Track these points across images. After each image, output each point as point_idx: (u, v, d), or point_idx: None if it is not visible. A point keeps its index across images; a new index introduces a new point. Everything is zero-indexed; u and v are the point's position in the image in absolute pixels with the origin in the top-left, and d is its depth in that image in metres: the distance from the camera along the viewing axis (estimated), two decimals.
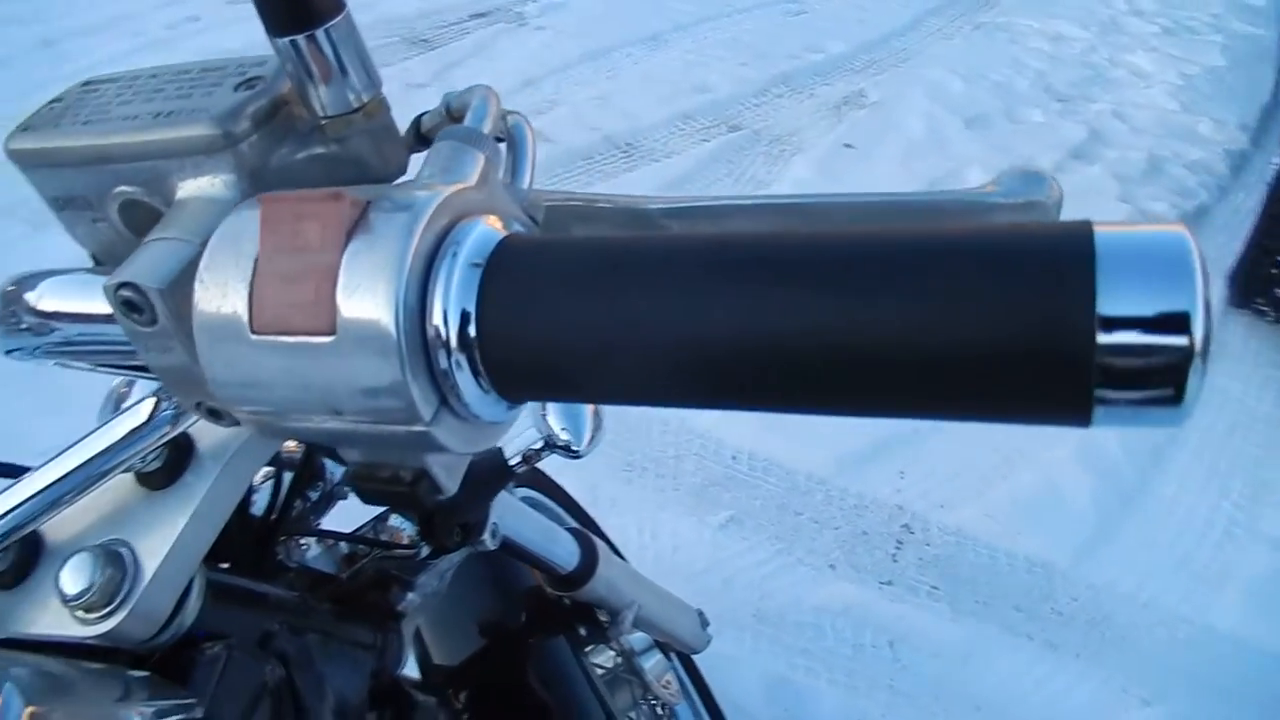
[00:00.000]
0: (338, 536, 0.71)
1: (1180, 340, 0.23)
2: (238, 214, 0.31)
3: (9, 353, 0.46)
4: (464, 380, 0.30)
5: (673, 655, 1.32)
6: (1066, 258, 0.24)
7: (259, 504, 0.66)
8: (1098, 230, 0.24)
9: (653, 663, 1.16)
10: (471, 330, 0.30)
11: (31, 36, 4.07)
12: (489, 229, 0.31)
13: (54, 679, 0.46)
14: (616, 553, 1.29)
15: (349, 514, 0.74)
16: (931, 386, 0.25)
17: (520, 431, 0.75)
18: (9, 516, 0.51)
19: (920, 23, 4.54)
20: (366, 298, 0.29)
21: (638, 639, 1.16)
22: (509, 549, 0.81)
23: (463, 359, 0.30)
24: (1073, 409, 0.24)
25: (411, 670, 0.89)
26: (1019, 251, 0.24)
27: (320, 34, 0.31)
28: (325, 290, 0.30)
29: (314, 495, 0.72)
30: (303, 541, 0.70)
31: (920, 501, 2.01)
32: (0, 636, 0.51)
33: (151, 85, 0.36)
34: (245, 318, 0.31)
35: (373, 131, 0.34)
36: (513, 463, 0.72)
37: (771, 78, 4.01)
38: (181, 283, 0.32)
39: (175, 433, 0.53)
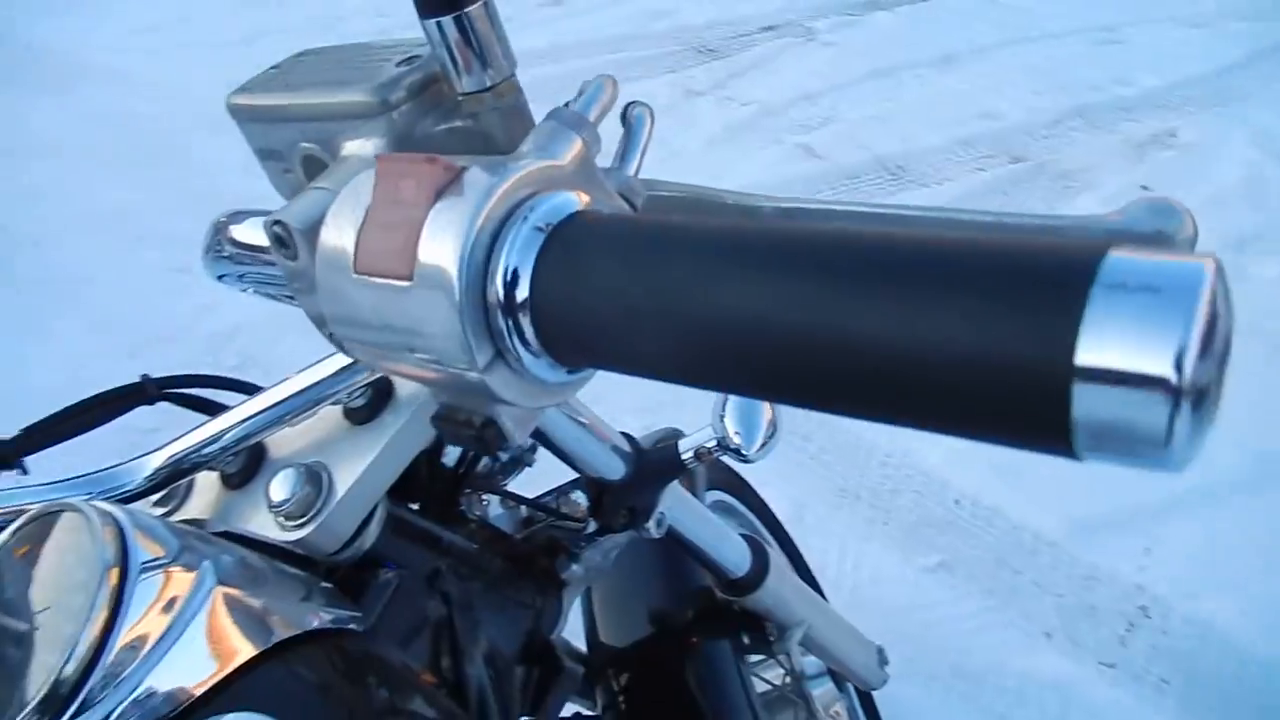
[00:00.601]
0: (518, 499, 0.77)
1: (1162, 383, 0.22)
2: (368, 172, 0.36)
3: (218, 278, 0.54)
4: (514, 336, 0.33)
5: (849, 688, 1.28)
6: (1064, 274, 0.23)
7: (451, 457, 0.73)
8: (1112, 253, 0.23)
9: (822, 690, 1.14)
10: (524, 291, 0.32)
11: None
12: (563, 201, 0.34)
13: (249, 570, 0.53)
14: (806, 572, 1.27)
15: (534, 481, 0.79)
16: (921, 390, 0.24)
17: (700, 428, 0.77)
18: (243, 425, 0.60)
19: (1255, 60, 4.06)
20: (439, 250, 0.33)
21: (811, 663, 1.15)
22: (678, 542, 0.83)
23: (514, 316, 0.33)
24: (1053, 438, 0.23)
25: (577, 640, 0.94)
26: (1023, 263, 0.23)
27: (462, 17, 0.35)
28: (410, 240, 0.33)
29: (503, 458, 0.77)
30: (485, 498, 0.76)
31: (1165, 584, 1.82)
32: (221, 529, 0.59)
33: (343, 57, 0.42)
34: (351, 258, 0.35)
35: (502, 110, 0.37)
36: (685, 457, 0.74)
37: (1068, 109, 3.75)
38: (319, 226, 0.37)
39: (377, 376, 0.60)
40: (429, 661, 0.64)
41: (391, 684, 0.54)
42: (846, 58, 4.30)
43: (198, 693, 0.45)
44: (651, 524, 0.74)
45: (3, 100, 4.37)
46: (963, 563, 1.84)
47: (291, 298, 0.45)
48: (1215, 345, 0.22)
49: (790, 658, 1.02)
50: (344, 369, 0.59)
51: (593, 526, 0.74)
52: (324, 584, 0.58)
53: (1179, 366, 0.22)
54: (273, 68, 0.45)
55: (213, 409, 0.66)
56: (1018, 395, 0.23)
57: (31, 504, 0.55)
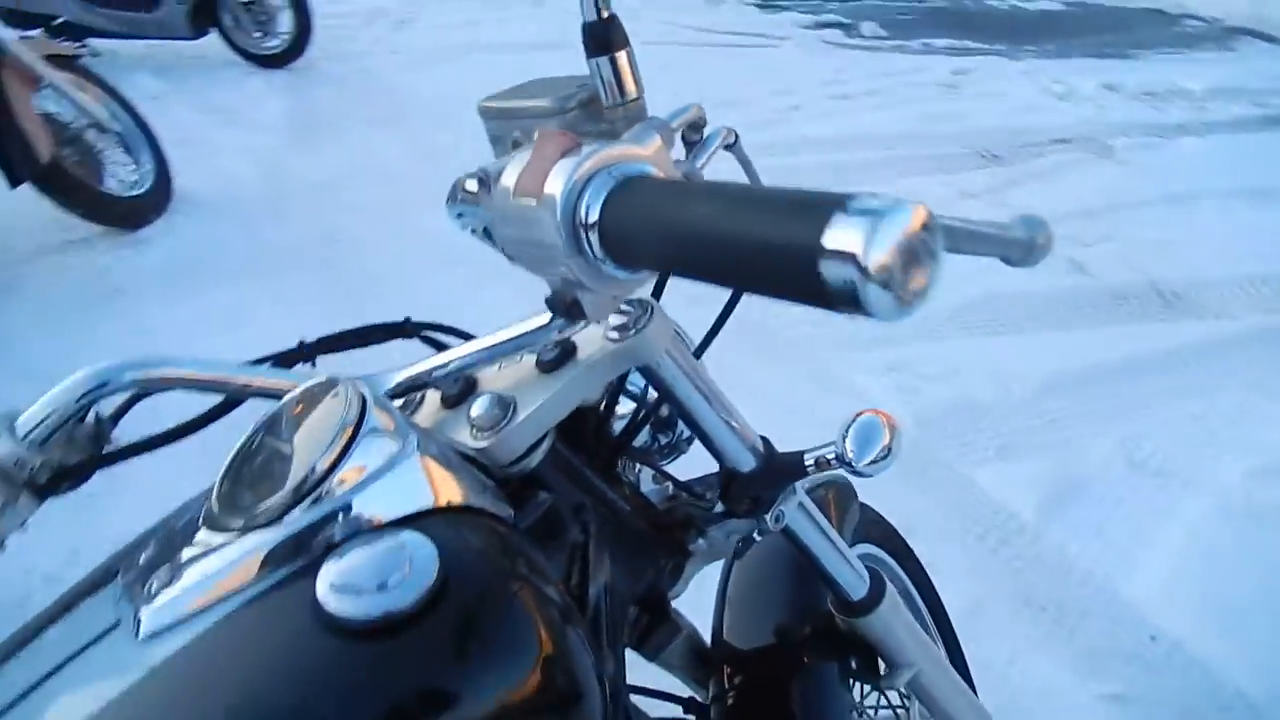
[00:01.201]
0: (665, 475, 0.91)
1: (853, 258, 0.39)
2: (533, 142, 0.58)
3: (456, 216, 0.74)
4: (588, 243, 0.53)
5: None
6: (831, 201, 0.40)
7: (618, 428, 0.88)
8: (861, 193, 0.39)
9: None
10: (595, 215, 0.53)
11: None
12: (631, 168, 0.54)
13: (444, 455, 0.71)
14: (960, 656, 1.31)
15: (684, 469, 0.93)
16: (755, 267, 0.42)
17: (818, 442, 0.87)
18: (463, 360, 0.79)
19: None
20: (555, 185, 0.54)
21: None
22: (800, 551, 0.94)
23: (588, 230, 0.53)
24: (816, 293, 0.40)
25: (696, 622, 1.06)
26: (818, 198, 0.41)
27: (611, 58, 0.55)
28: (541, 178, 0.54)
29: (663, 440, 0.92)
30: (639, 468, 0.91)
31: None
32: (441, 439, 0.77)
33: (548, 83, 0.64)
34: (512, 188, 0.56)
35: (629, 118, 0.57)
36: (807, 464, 0.85)
37: None
38: (501, 174, 0.59)
39: (564, 337, 0.77)
40: (560, 573, 0.79)
41: (529, 568, 0.69)
42: (1140, 178, 4.14)
43: (384, 520, 0.64)
44: (770, 517, 0.86)
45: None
46: (1140, 699, 1.75)
47: (488, 236, 0.65)
48: (906, 251, 0.38)
49: (895, 690, 1.08)
50: (542, 328, 0.77)
51: (720, 509, 0.87)
52: (494, 485, 0.75)
53: (866, 251, 0.38)
54: (508, 88, 0.68)
55: (445, 348, 0.87)
56: (799, 266, 0.40)
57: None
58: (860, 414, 0.85)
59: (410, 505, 0.66)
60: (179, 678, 0.58)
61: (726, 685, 1.05)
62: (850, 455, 0.82)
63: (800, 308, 0.43)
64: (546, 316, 0.76)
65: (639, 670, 0.99)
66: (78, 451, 0.73)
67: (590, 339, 0.78)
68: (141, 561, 0.66)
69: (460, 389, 0.80)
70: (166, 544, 0.66)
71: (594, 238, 0.52)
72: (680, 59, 6.15)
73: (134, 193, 3.51)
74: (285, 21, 5.58)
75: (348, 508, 0.64)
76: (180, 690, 0.57)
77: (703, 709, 1.06)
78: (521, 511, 0.77)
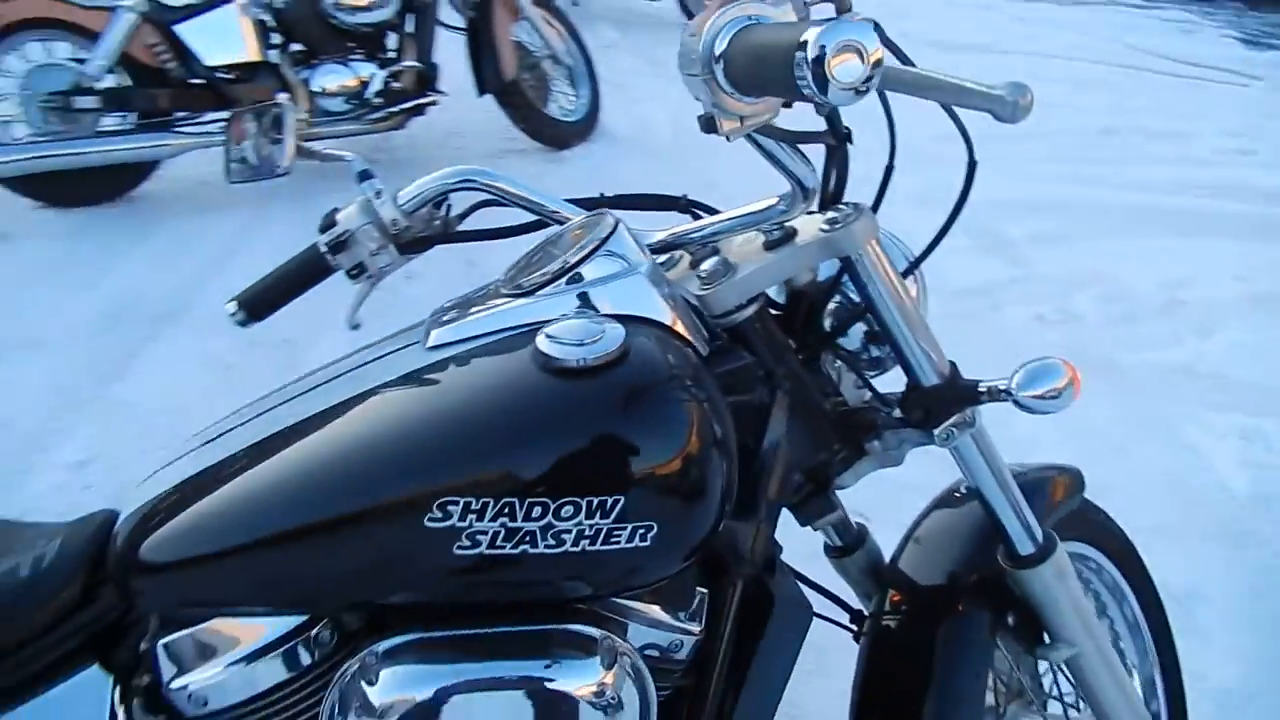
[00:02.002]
0: (861, 378, 1.02)
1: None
2: None
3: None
4: (717, 71, 0.71)
5: None
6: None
7: (829, 326, 1.01)
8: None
9: None
10: (721, 48, 0.71)
11: None
12: (741, 22, 0.73)
13: (665, 285, 0.89)
14: (1173, 657, 1.25)
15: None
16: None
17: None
18: (710, 228, 0.97)
19: None
20: (706, 27, 0.72)
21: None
22: (975, 492, 1.00)
23: (716, 60, 0.72)
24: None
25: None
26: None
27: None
28: (704, 22, 0.73)
29: (874, 352, 1.03)
30: (840, 365, 1.03)
31: None
32: (674, 283, 0.96)
33: None
34: (690, 30, 0.74)
35: None
36: (981, 390, 0.92)
37: None
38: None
39: (789, 224, 0.92)
40: (739, 423, 0.95)
41: (697, 386, 0.85)
42: None
43: (601, 309, 0.84)
44: (939, 433, 0.94)
45: None
46: None
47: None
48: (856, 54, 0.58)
49: (1050, 660, 1.09)
50: (769, 208, 0.92)
51: (897, 414, 0.97)
52: (703, 329, 0.92)
53: (820, 44, 0.61)
54: None
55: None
56: (786, 57, 0.62)
57: None
58: (1046, 358, 0.90)
59: (624, 308, 0.86)
60: (441, 373, 0.83)
61: (888, 608, 1.13)
62: (1014, 386, 0.88)
63: None
64: (775, 199, 0.92)
65: (823, 572, 1.12)
66: (431, 229, 1.02)
67: (809, 228, 0.92)
68: (450, 306, 0.92)
69: (704, 253, 0.98)
70: (468, 300, 0.92)
71: (719, 68, 0.71)
72: (1124, 83, 5.70)
73: (568, 119, 4.08)
74: None
75: (582, 295, 0.85)
76: (441, 380, 0.83)
77: (862, 621, 1.16)
78: (718, 358, 0.93)
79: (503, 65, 3.67)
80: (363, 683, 0.78)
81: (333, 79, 3.50)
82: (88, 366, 2.50)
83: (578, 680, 0.80)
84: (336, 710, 0.79)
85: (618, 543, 0.78)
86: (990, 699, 1.17)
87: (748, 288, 0.92)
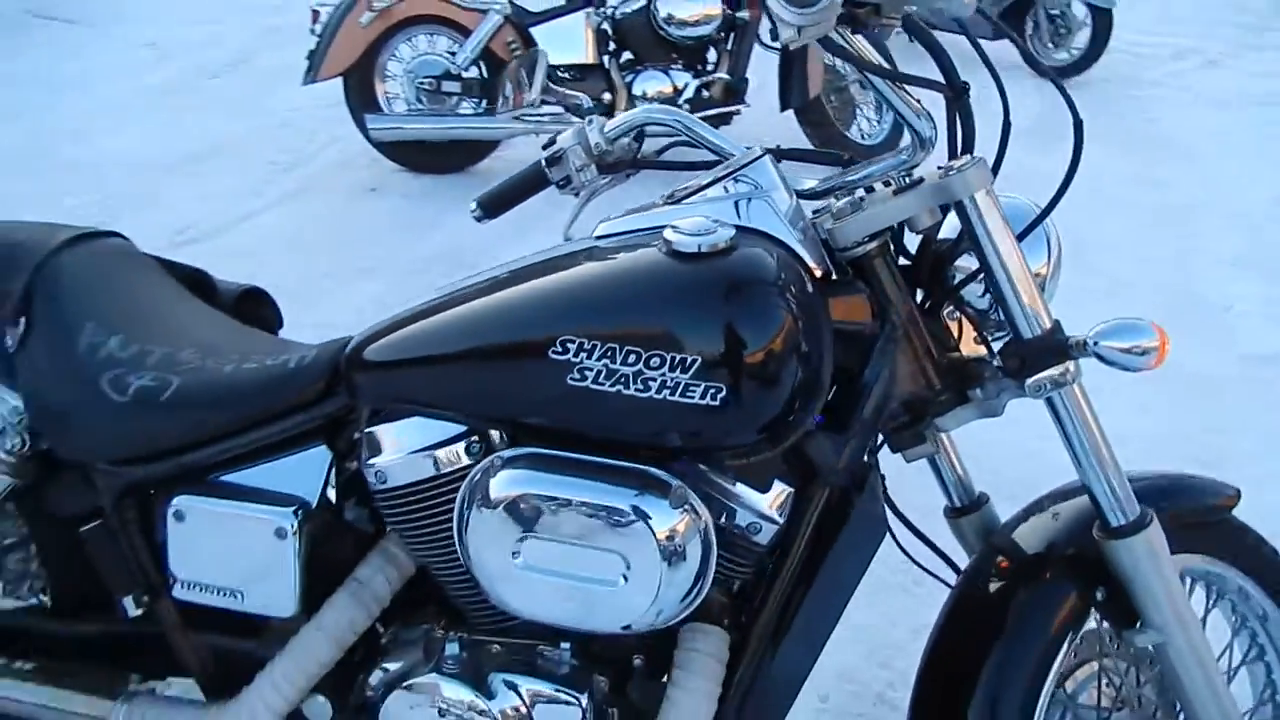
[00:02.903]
0: (979, 331, 1.10)
1: None
2: None
3: None
4: None
5: None
6: None
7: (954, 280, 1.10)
8: None
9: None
10: None
11: None
12: None
13: (800, 221, 1.05)
14: None
15: None
16: None
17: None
18: (847, 179, 1.11)
19: None
20: None
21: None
22: (1071, 454, 1.05)
23: None
24: None
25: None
26: None
27: None
28: None
29: (995, 317, 1.10)
30: (959, 318, 1.11)
31: None
32: (810, 216, 1.10)
33: None
34: None
35: None
36: (1071, 342, 0.98)
37: None
38: None
39: (909, 168, 1.04)
40: (846, 347, 1.07)
41: (801, 298, 0.98)
42: None
43: (726, 220, 1.01)
44: (1031, 383, 1.00)
45: None
46: None
47: None
48: None
49: (1134, 646, 1.09)
50: (896, 158, 1.04)
51: (997, 363, 1.04)
52: (826, 259, 1.06)
53: None
54: None
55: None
56: None
57: None
58: (1138, 319, 0.94)
59: (747, 221, 1.03)
60: (592, 251, 1.05)
61: (982, 566, 1.18)
62: (1092, 336, 0.94)
63: None
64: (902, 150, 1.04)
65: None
66: (626, 155, 1.23)
67: (931, 177, 1.03)
68: (620, 216, 1.13)
69: (844, 197, 1.11)
70: (635, 210, 1.12)
71: None
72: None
73: (865, 142, 4.19)
74: (1082, 38, 5.75)
75: (715, 205, 1.03)
76: (590, 255, 1.05)
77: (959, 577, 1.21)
78: (835, 284, 1.07)
79: (808, 83, 3.86)
80: (488, 479, 1.01)
81: (653, 84, 3.89)
82: (399, 292, 3.02)
83: (649, 515, 0.97)
84: (467, 499, 1.02)
85: (691, 398, 0.94)
86: (1096, 698, 1.18)
87: (868, 225, 1.04)
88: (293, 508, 1.13)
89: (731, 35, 3.98)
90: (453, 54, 3.84)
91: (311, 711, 1.20)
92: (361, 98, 3.88)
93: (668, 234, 0.98)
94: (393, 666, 1.15)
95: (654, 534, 0.97)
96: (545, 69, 3.74)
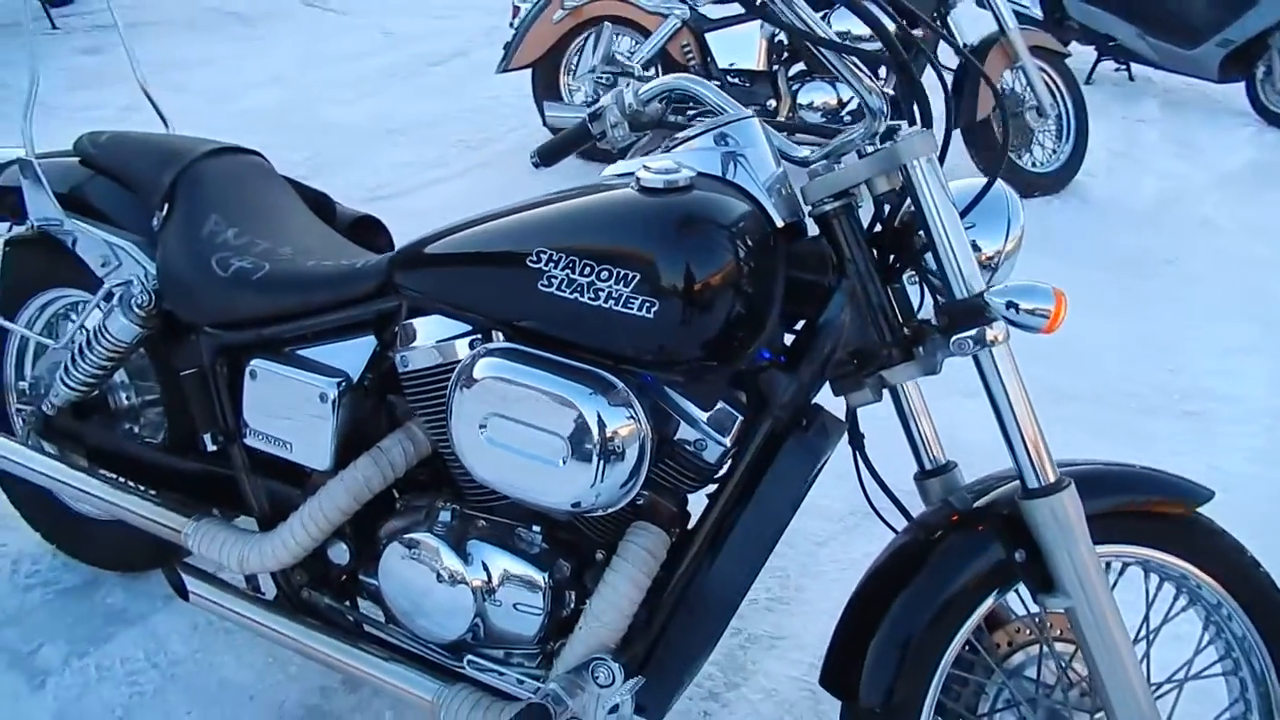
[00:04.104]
0: (935, 301, 1.18)
1: None
2: None
3: None
4: None
5: None
6: None
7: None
8: None
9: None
10: None
11: None
12: None
13: (772, 176, 1.18)
14: None
15: None
16: None
17: None
18: (826, 149, 1.22)
19: None
20: None
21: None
22: (995, 410, 1.11)
23: None
24: None
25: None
26: None
27: None
28: None
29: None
30: (914, 279, 1.19)
31: None
32: (781, 182, 1.22)
33: None
34: None
35: None
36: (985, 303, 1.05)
37: None
38: None
39: (868, 136, 1.14)
40: (803, 295, 1.19)
41: (753, 245, 1.11)
42: None
43: (697, 169, 1.15)
44: (954, 341, 1.06)
45: None
46: None
47: None
48: None
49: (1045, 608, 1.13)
50: (857, 130, 1.15)
51: (933, 321, 1.12)
52: (796, 211, 1.18)
53: None
54: None
55: None
56: None
57: None
58: (1040, 283, 1.01)
59: (725, 171, 1.17)
60: (591, 186, 1.22)
61: (936, 521, 1.24)
62: (993, 291, 1.01)
63: None
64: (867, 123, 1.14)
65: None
66: (654, 115, 1.39)
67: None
68: (628, 160, 1.29)
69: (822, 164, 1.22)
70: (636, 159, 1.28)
71: None
72: None
73: (1036, 170, 4.09)
74: None
75: (694, 154, 1.17)
76: (587, 188, 1.21)
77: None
78: (797, 237, 1.19)
79: (978, 104, 3.83)
80: (472, 364, 1.20)
81: (817, 95, 3.98)
82: None
83: (590, 408, 1.13)
84: (455, 381, 1.21)
85: (629, 309, 1.10)
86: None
87: (828, 186, 1.16)
88: (338, 380, 1.37)
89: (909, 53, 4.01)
90: (632, 54, 4.09)
91: (334, 554, 1.44)
92: (546, 87, 4.22)
93: (639, 171, 1.14)
94: (397, 524, 1.37)
95: (591, 424, 1.12)
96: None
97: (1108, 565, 1.25)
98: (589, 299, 1.12)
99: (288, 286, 1.41)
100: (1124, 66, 6.02)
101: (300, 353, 1.42)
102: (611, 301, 1.11)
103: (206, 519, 1.49)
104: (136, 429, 1.73)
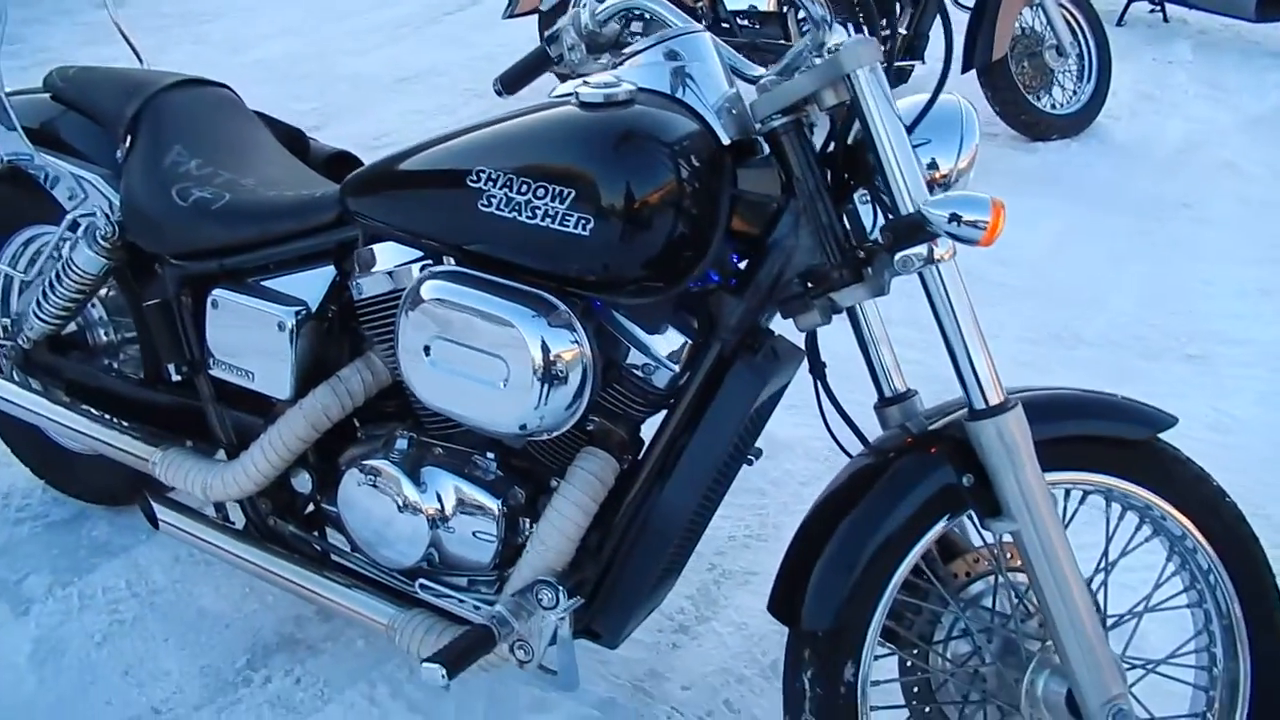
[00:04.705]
0: (884, 209, 1.14)
1: None
2: None
3: None
4: None
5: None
6: None
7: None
8: None
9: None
10: None
11: None
12: None
13: (722, 95, 1.14)
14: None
15: None
16: None
17: None
18: (778, 66, 1.18)
19: None
20: None
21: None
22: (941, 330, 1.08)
23: None
24: None
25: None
26: None
27: None
28: None
29: None
30: (866, 199, 1.16)
31: None
32: (728, 100, 1.19)
33: None
34: None
35: None
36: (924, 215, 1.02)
37: None
38: None
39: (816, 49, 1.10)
40: (752, 216, 1.16)
41: (696, 162, 1.09)
42: None
43: (639, 85, 1.12)
44: (898, 258, 1.03)
45: None
46: None
47: None
48: None
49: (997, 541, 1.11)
50: (805, 43, 1.11)
51: (881, 239, 1.08)
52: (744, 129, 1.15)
53: None
54: None
55: None
56: None
57: None
58: (979, 194, 0.97)
59: (671, 88, 1.14)
60: (535, 109, 1.19)
61: (891, 445, 1.21)
62: (929, 201, 0.98)
63: None
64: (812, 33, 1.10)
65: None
66: (609, 37, 1.35)
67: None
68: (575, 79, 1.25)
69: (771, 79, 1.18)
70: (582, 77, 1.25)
71: None
72: None
73: (1055, 111, 3.97)
74: None
75: (639, 70, 1.14)
76: (534, 106, 1.18)
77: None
78: (745, 155, 1.16)
79: (995, 43, 3.72)
80: (419, 287, 1.19)
81: (830, 36, 3.89)
82: None
83: (529, 330, 1.12)
84: (404, 303, 1.21)
85: (565, 227, 1.08)
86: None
87: (775, 101, 1.12)
88: (296, 309, 1.37)
89: None
90: None
91: (298, 483, 1.45)
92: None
93: (580, 87, 1.12)
94: (356, 452, 1.37)
95: (531, 346, 1.11)
96: None
97: (1067, 493, 1.23)
98: (526, 218, 1.10)
99: (247, 216, 1.41)
100: (1158, 7, 5.81)
101: (261, 283, 1.42)
102: (548, 220, 1.09)
103: (174, 448, 1.50)
104: (116, 364, 1.75)
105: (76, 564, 1.77)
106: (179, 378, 1.49)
